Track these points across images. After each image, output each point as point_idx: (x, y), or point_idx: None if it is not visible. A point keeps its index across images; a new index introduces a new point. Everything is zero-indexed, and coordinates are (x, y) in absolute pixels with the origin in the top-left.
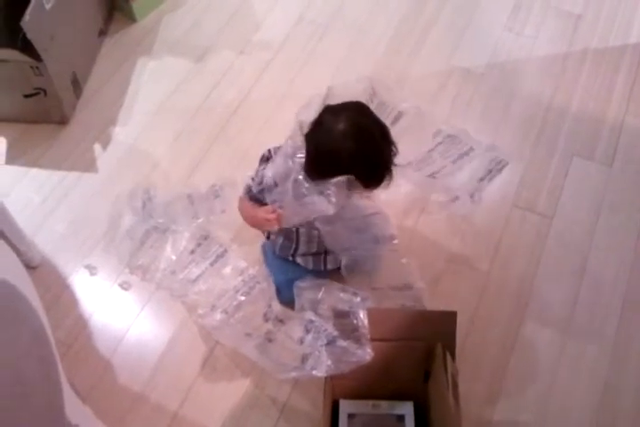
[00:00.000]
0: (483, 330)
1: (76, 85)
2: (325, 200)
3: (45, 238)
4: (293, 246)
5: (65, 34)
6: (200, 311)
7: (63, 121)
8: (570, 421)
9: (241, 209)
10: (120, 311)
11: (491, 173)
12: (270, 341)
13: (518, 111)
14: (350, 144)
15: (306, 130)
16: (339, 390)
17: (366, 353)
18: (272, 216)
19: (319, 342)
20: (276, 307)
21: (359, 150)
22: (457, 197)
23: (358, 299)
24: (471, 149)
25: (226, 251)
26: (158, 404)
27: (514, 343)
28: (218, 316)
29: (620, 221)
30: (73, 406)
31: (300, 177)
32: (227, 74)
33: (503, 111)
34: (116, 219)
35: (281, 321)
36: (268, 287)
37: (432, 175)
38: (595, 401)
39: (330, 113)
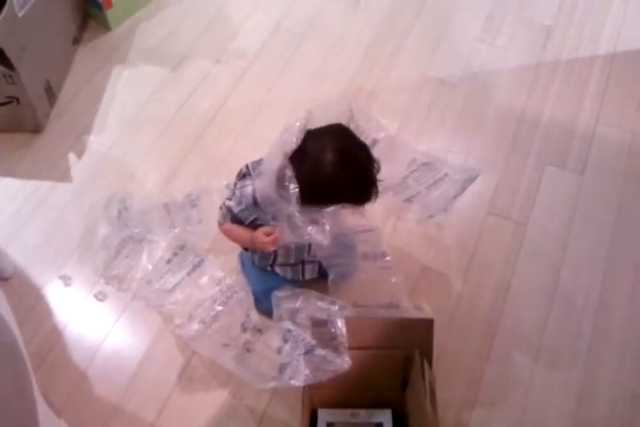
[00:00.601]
0: (459, 339)
1: (50, 94)
2: (320, 231)
3: (19, 249)
4: (272, 257)
5: (38, 42)
6: (177, 322)
7: (37, 130)
8: None
9: (228, 232)
10: (95, 322)
11: (464, 190)
12: (249, 351)
13: (492, 121)
14: (339, 173)
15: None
16: (317, 399)
17: (344, 362)
18: (269, 239)
19: (297, 352)
20: (254, 317)
21: (349, 177)
22: (432, 215)
23: (336, 307)
24: (445, 175)
25: (202, 261)
26: (135, 415)
27: (489, 352)
28: (195, 326)
29: (593, 228)
30: (47, 420)
31: (296, 212)
32: (203, 82)
33: (477, 121)
34: (91, 228)
35: (259, 331)
36: (245, 297)
37: (408, 199)
38: (570, 414)
39: (313, 139)
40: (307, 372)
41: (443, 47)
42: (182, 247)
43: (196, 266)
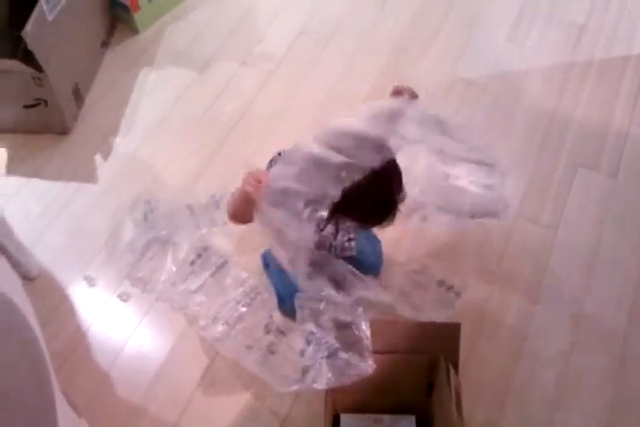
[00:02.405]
0: (487, 344)
1: (78, 96)
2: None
3: (45, 249)
4: None
5: (67, 45)
6: (201, 323)
7: (64, 131)
8: None
9: (232, 211)
10: (119, 323)
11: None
12: (272, 353)
13: (522, 122)
14: (364, 183)
15: None
16: (340, 403)
17: (368, 366)
18: (254, 180)
19: (320, 355)
20: (278, 318)
21: (372, 186)
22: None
23: (360, 310)
24: None
25: (226, 262)
26: (157, 416)
27: (518, 357)
28: (219, 328)
29: (625, 232)
30: (67, 419)
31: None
32: (229, 85)
33: (506, 122)
34: (117, 230)
35: (282, 333)
36: (269, 298)
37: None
38: (602, 418)
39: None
40: (329, 375)
41: (472, 47)
42: (206, 249)
43: (220, 267)
